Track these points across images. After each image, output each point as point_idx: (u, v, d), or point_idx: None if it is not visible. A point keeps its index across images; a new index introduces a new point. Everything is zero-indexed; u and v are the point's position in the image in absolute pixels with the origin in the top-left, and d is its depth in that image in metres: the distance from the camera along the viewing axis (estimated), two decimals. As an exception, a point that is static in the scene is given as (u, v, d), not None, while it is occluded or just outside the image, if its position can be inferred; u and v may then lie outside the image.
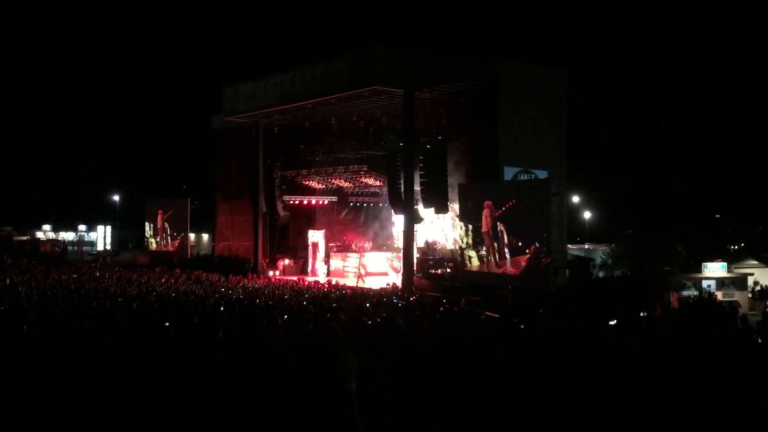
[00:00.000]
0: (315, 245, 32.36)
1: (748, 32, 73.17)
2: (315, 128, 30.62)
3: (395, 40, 54.87)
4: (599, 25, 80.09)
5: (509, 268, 20.50)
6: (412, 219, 25.19)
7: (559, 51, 71.51)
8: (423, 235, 26.96)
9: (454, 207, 23.84)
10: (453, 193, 23.89)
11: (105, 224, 62.81)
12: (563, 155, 24.43)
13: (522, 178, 22.95)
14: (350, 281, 27.33)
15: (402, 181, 25.17)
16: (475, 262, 21.89)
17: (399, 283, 25.09)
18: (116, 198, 60.73)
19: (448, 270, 24.56)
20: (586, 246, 39.21)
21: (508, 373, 7.23)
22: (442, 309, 16.04)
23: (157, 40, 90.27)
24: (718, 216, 54.63)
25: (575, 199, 45.34)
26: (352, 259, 30.94)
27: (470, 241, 22.06)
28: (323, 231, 32.64)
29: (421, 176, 25.10)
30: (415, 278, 24.65)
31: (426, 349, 8.18)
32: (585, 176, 48.73)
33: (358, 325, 10.01)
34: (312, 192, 33.03)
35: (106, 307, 12.41)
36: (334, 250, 32.22)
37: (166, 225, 35.36)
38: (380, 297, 19.28)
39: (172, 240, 35.07)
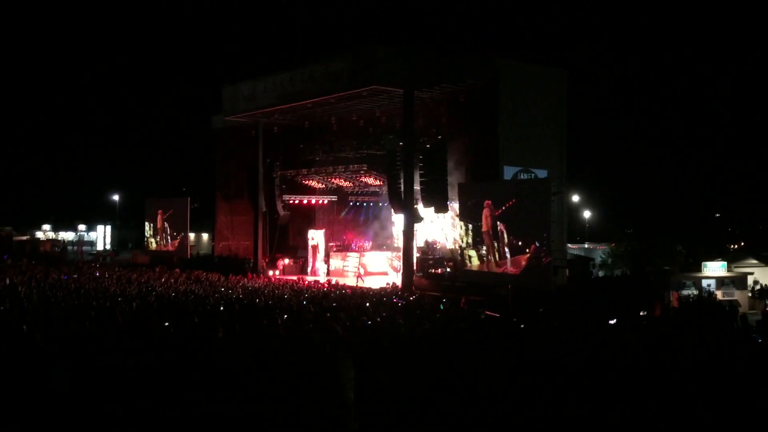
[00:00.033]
0: (315, 245, 32.38)
1: (748, 32, 73.18)
2: (315, 128, 30.64)
3: (395, 40, 54.82)
4: (599, 25, 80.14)
5: (509, 268, 20.52)
6: (412, 218, 25.20)
7: (559, 51, 71.63)
8: (423, 234, 26.97)
9: (454, 206, 23.85)
10: (453, 193, 23.91)
11: (105, 224, 62.88)
12: (563, 155, 24.47)
13: (522, 177, 22.99)
14: (350, 281, 27.34)
15: (402, 180, 25.19)
16: (475, 262, 21.91)
17: (399, 283, 25.11)
18: (116, 198, 60.76)
19: (448, 269, 24.57)
20: (586, 245, 39.22)
21: (508, 372, 7.21)
22: (441, 308, 16.05)
23: (157, 40, 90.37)
24: (718, 215, 54.58)
25: (575, 198, 45.37)
26: (352, 258, 30.95)
27: (470, 240, 22.07)
28: (323, 230, 32.65)
29: (420, 176, 25.15)
30: (415, 278, 24.66)
31: (426, 348, 8.17)
32: (585, 176, 48.82)
33: (358, 324, 10.00)
34: (312, 191, 33.03)
35: (106, 307, 12.37)
36: (334, 249, 32.23)
37: (166, 225, 35.36)
38: (380, 296, 19.31)
39: (171, 240, 35.07)
